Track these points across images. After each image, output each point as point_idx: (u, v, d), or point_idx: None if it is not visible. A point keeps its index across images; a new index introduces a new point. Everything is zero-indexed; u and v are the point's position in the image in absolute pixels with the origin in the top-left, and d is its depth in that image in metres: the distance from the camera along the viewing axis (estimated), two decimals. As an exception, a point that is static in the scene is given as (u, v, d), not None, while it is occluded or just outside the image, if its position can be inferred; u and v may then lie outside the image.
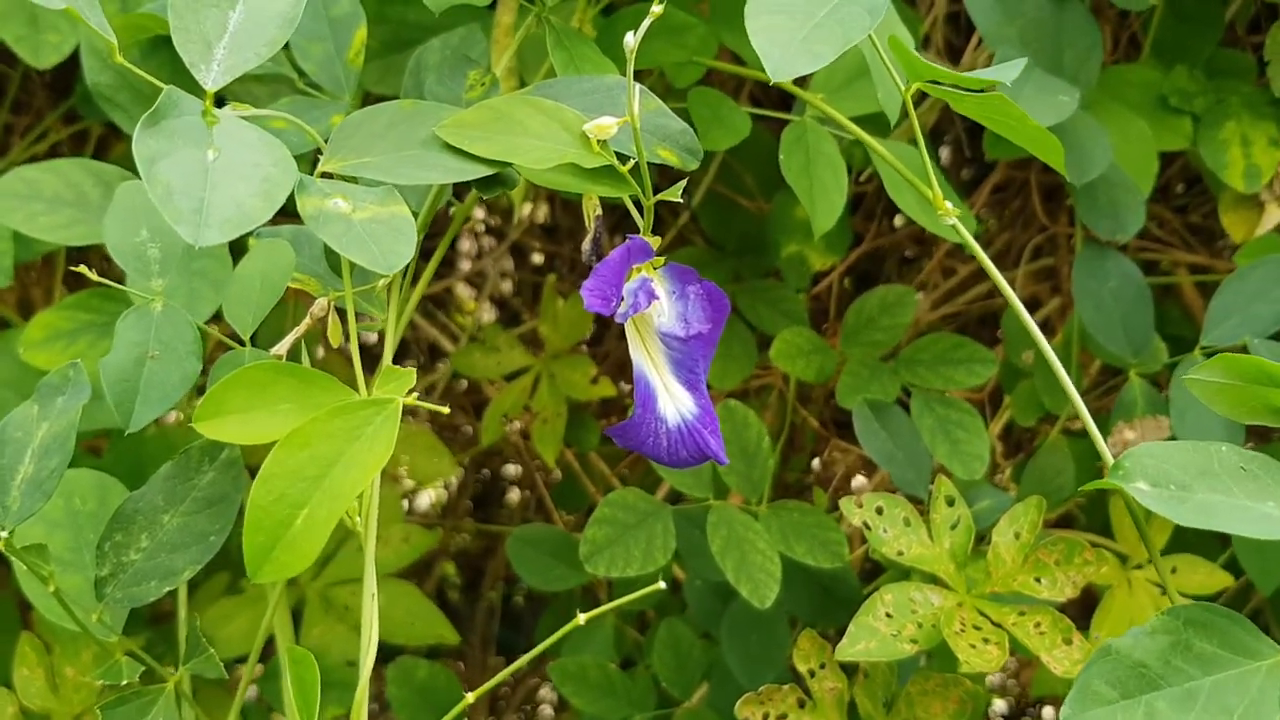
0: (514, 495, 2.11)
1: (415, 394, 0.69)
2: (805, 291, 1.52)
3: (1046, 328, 1.53)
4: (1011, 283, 1.54)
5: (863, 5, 0.76)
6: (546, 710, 2.08)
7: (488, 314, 1.96)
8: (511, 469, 2.05)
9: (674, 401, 0.81)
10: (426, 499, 2.23)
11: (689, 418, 0.81)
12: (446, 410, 0.69)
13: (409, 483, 2.16)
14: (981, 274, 1.63)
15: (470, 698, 0.69)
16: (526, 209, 1.75)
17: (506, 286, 1.89)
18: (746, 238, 1.45)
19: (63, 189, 0.98)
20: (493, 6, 1.10)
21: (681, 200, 0.78)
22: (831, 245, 1.38)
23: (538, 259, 1.89)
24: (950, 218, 0.81)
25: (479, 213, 1.90)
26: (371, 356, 1.28)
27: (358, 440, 0.65)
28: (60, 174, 0.99)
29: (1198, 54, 1.36)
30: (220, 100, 1.10)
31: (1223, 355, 0.75)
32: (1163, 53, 1.37)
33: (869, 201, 1.61)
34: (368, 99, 1.21)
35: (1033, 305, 1.61)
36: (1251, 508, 0.68)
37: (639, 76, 1.28)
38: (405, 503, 2.18)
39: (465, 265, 1.86)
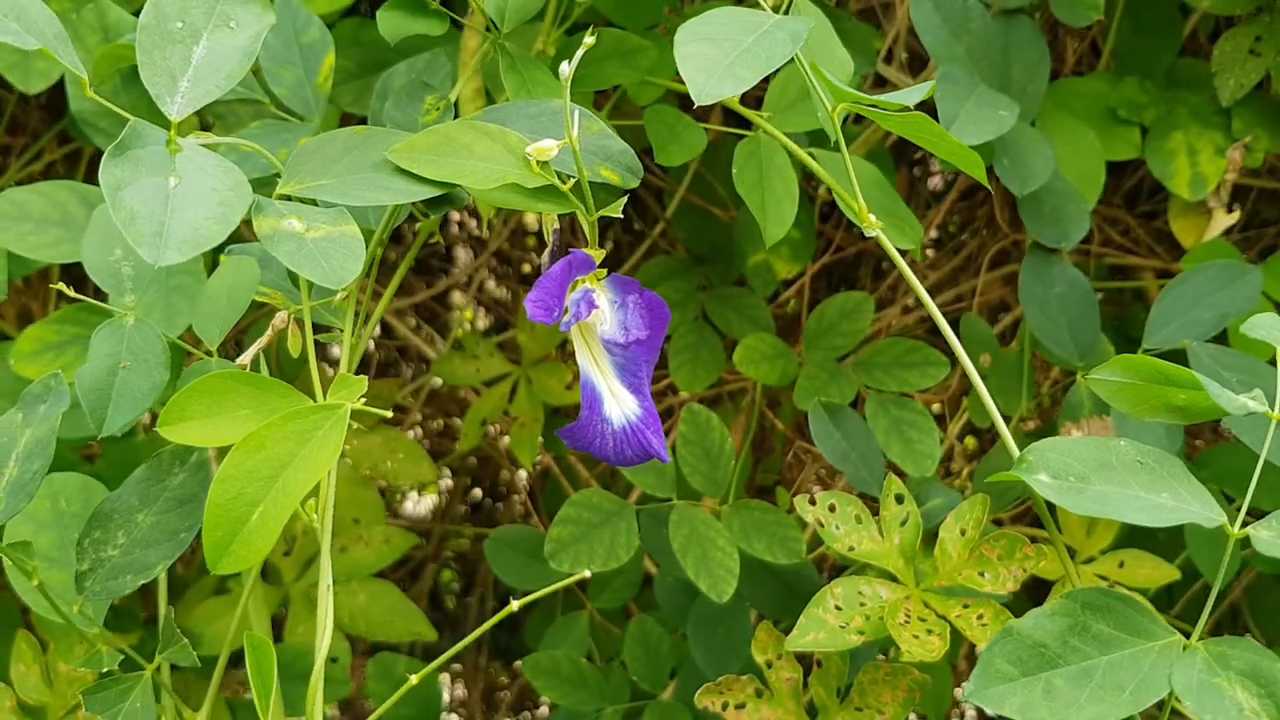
0: (509, 499, 2.16)
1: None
2: (774, 299, 1.57)
3: (1013, 331, 1.58)
4: (976, 288, 1.59)
5: (787, 33, 0.81)
6: (543, 711, 2.12)
7: (482, 321, 2.02)
8: (506, 474, 2.10)
9: (619, 404, 0.87)
10: (425, 504, 2.28)
11: (633, 419, 0.87)
12: (389, 414, 0.74)
13: (407, 489, 2.22)
14: (950, 280, 1.69)
15: (414, 680, 0.74)
16: (519, 220, 1.80)
17: (498, 295, 1.95)
18: (717, 246, 1.50)
19: (49, 209, 1.03)
20: (460, 27, 1.15)
21: (621, 215, 0.83)
22: (797, 254, 1.43)
23: (527, 269, 1.94)
24: (874, 230, 0.86)
25: (470, 222, 1.96)
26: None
27: (309, 443, 0.70)
28: (47, 195, 1.04)
29: (1156, 64, 1.40)
30: (205, 123, 1.15)
31: (1122, 356, 0.79)
32: (1122, 63, 1.41)
33: (840, 211, 1.66)
34: (345, 119, 1.27)
35: (1000, 309, 1.66)
36: (1145, 498, 0.73)
37: (602, 97, 1.34)
38: (410, 505, 2.24)
39: (456, 275, 1.91)
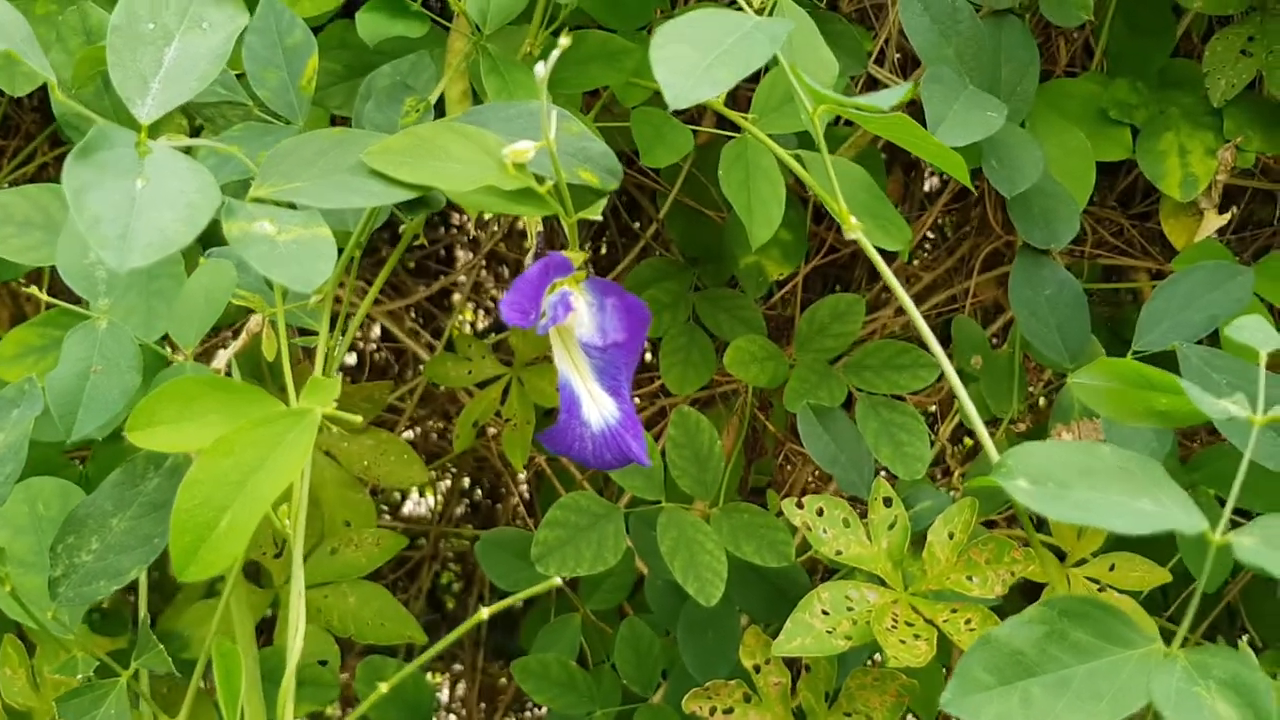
0: (507, 500, 2.16)
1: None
2: (768, 300, 1.56)
3: (1006, 332, 1.57)
4: (970, 289, 1.59)
5: (766, 34, 0.80)
6: (542, 711, 2.12)
7: (481, 323, 2.02)
8: (504, 475, 2.10)
9: (597, 407, 0.86)
10: (425, 506, 2.28)
11: (612, 422, 0.86)
12: (359, 420, 0.73)
13: (400, 491, 2.22)
14: (944, 281, 1.68)
15: (392, 680, 0.74)
16: (518, 221, 1.80)
17: (496, 296, 1.94)
18: (709, 248, 1.49)
19: (32, 212, 1.03)
20: (447, 29, 1.15)
21: (601, 218, 0.83)
22: (788, 255, 1.42)
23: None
24: (855, 231, 0.85)
25: (470, 224, 1.95)
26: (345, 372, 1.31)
27: (278, 448, 0.69)
28: (30, 198, 1.03)
29: (1150, 65, 1.39)
30: (196, 126, 1.14)
31: (1104, 360, 0.78)
32: (1115, 64, 1.40)
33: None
34: (334, 122, 1.26)
35: (994, 310, 1.65)
36: (1127, 504, 0.72)
37: (591, 98, 1.33)
38: (410, 505, 2.24)
39: (452, 277, 1.91)
